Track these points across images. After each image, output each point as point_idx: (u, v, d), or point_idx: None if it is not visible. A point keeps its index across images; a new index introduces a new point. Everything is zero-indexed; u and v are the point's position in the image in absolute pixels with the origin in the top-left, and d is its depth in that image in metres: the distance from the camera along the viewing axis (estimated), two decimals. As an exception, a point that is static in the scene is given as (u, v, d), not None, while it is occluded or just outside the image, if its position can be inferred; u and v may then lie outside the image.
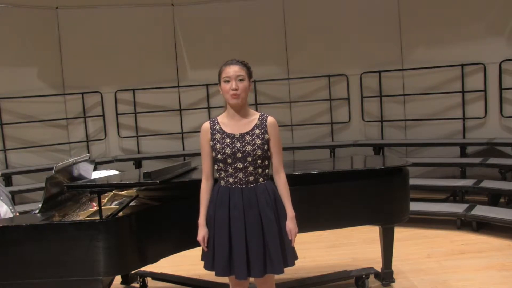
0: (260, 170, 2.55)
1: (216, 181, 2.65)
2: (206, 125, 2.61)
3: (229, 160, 2.51)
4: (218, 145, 2.53)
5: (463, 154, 6.24)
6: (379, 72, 6.88)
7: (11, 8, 6.62)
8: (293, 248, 2.60)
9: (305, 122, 7.24)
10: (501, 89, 6.20)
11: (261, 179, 2.56)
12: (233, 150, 2.50)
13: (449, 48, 6.53)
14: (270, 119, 2.58)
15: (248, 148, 2.50)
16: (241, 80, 2.51)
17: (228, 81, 2.51)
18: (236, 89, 2.49)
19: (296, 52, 7.19)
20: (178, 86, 7.25)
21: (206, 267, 2.60)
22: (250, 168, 2.52)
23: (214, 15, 7.17)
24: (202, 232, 2.58)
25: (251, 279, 2.63)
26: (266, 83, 7.05)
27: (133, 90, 7.13)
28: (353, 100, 7.12)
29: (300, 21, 7.14)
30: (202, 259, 2.64)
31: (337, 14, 7.04)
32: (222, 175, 2.57)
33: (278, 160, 2.59)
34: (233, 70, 2.51)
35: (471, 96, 6.47)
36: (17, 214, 3.35)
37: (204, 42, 7.15)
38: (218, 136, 2.55)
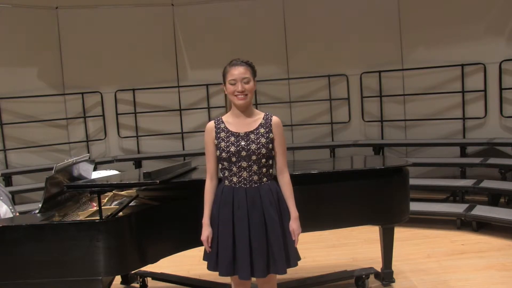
0: (264, 169, 2.55)
1: (220, 180, 2.65)
2: (211, 124, 2.62)
3: (234, 159, 2.52)
4: (222, 143, 2.53)
5: (463, 154, 6.24)
6: (379, 72, 6.88)
7: (11, 8, 6.62)
8: (296, 249, 2.60)
9: (305, 122, 7.24)
10: (501, 89, 6.20)
11: (265, 179, 2.56)
12: (238, 148, 2.51)
13: (449, 48, 6.53)
14: (275, 118, 2.59)
15: (253, 146, 2.51)
16: (246, 82, 2.52)
17: (234, 84, 2.51)
18: (242, 91, 2.51)
19: (296, 52, 7.19)
20: (178, 86, 7.25)
21: (210, 267, 2.59)
22: (255, 167, 2.53)
23: (214, 15, 7.17)
24: (206, 232, 2.58)
25: (253, 279, 2.63)
26: (266, 83, 7.05)
27: (133, 90, 7.13)
28: (353, 100, 7.12)
29: (300, 21, 7.14)
30: (204, 259, 2.64)
31: (337, 14, 7.04)
32: (226, 174, 2.58)
33: (282, 160, 2.60)
34: (238, 72, 2.51)
35: (471, 96, 6.47)
36: (17, 214, 3.35)
37: (204, 42, 7.15)
38: (222, 134, 2.55)
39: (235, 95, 2.52)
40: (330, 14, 7.05)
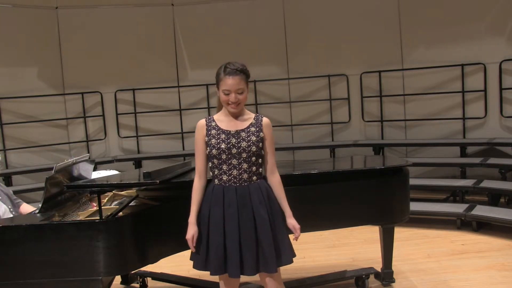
0: (254, 168, 2.56)
1: (209, 181, 2.65)
2: (202, 121, 2.63)
3: (224, 156, 2.53)
4: (213, 140, 2.55)
5: (463, 154, 6.24)
6: (379, 72, 6.88)
7: (11, 8, 6.62)
8: (290, 247, 2.60)
9: (305, 122, 7.23)
10: (501, 89, 6.20)
11: (254, 177, 2.58)
12: (228, 145, 2.52)
13: (449, 48, 6.53)
14: (265, 119, 2.62)
15: (243, 144, 2.53)
16: (240, 92, 2.53)
17: (228, 94, 2.52)
18: (235, 102, 2.52)
19: (296, 52, 7.19)
20: (178, 86, 7.25)
21: (197, 266, 2.59)
22: (245, 165, 2.54)
23: (214, 15, 7.17)
24: (191, 231, 2.57)
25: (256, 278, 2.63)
26: (266, 83, 7.05)
27: (133, 90, 7.13)
28: (353, 100, 7.12)
29: (300, 21, 7.13)
30: (191, 259, 2.63)
31: (337, 14, 7.03)
32: (216, 172, 2.58)
33: (273, 161, 2.63)
34: (232, 82, 2.50)
35: (471, 96, 6.47)
36: (23, 204, 3.36)
37: (204, 42, 7.15)
38: (213, 132, 2.57)
39: (228, 104, 2.53)
40: (330, 14, 7.05)
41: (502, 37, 6.26)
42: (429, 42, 6.67)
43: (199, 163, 2.62)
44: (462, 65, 6.41)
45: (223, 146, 2.53)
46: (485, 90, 6.33)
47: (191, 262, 2.65)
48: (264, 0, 7.18)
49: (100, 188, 2.82)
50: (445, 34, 6.55)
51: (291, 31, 7.19)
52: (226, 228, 2.52)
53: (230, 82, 2.50)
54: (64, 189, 2.96)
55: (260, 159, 2.60)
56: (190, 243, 2.57)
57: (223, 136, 2.55)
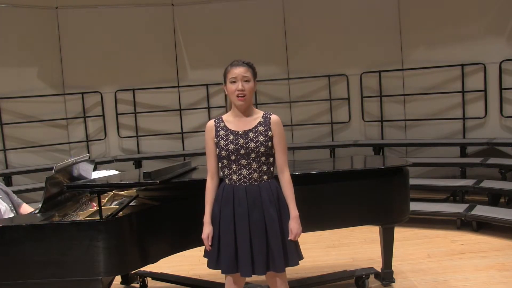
0: (264, 167, 2.57)
1: (221, 180, 2.66)
2: (211, 123, 2.65)
3: (233, 157, 2.54)
4: (222, 142, 2.56)
5: (463, 154, 6.24)
6: (379, 72, 6.89)
7: (11, 8, 6.62)
8: (298, 248, 2.61)
9: (305, 122, 7.24)
10: (501, 89, 6.20)
11: (265, 177, 2.58)
12: (237, 146, 2.53)
13: (449, 48, 6.53)
14: (273, 117, 2.61)
15: (251, 144, 2.53)
16: (247, 81, 2.55)
17: (234, 82, 2.54)
18: (242, 90, 2.53)
19: (296, 52, 7.20)
20: (178, 86, 7.25)
21: (210, 265, 2.61)
22: (254, 165, 2.54)
23: (214, 15, 7.17)
24: (207, 230, 2.59)
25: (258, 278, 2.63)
26: (266, 83, 7.05)
27: (133, 90, 7.13)
28: (353, 100, 7.12)
29: (300, 21, 7.14)
30: (205, 256, 2.65)
31: (337, 14, 7.04)
32: (226, 172, 2.60)
33: (283, 159, 2.61)
34: (239, 71, 2.54)
35: (471, 96, 6.47)
36: (23, 205, 3.36)
37: (204, 42, 7.15)
38: (222, 133, 2.58)
39: (236, 95, 2.54)
40: (330, 14, 7.05)
41: (502, 37, 6.26)
42: (429, 42, 6.67)
43: (210, 164, 2.64)
44: (462, 65, 6.41)
45: (231, 147, 2.54)
46: (485, 90, 6.33)
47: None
48: (264, 0, 7.18)
49: (100, 188, 2.83)
50: (445, 34, 6.55)
51: (291, 31, 7.19)
52: (236, 227, 2.54)
53: (236, 70, 2.54)
54: (64, 189, 2.96)
55: (271, 158, 2.60)
56: (206, 242, 2.60)
57: (231, 137, 2.56)
